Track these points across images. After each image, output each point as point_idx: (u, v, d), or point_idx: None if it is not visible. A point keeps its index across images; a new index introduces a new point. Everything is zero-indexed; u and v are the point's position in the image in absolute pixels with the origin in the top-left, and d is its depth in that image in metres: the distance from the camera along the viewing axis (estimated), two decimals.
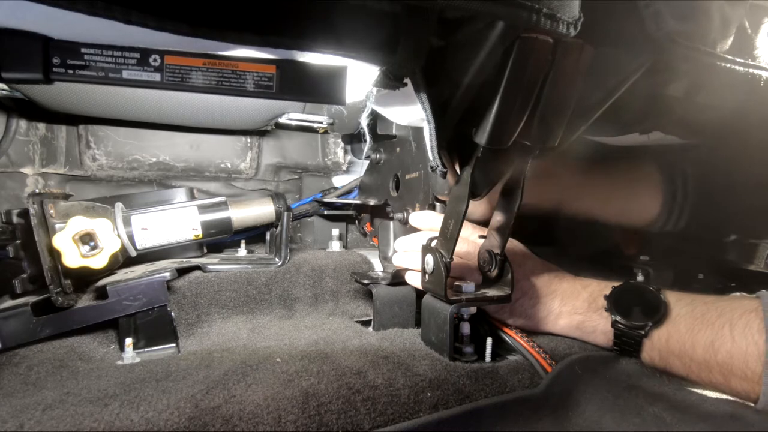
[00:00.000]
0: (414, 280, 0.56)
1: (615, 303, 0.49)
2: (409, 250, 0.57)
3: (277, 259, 0.64)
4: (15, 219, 0.51)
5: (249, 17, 0.30)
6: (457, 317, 0.48)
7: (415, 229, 0.59)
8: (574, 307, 0.52)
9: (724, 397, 0.43)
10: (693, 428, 0.37)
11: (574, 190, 0.68)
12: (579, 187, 0.69)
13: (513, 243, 0.58)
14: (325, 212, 0.86)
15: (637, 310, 0.48)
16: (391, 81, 0.38)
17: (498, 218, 0.48)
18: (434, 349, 0.48)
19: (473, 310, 0.49)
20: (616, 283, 0.51)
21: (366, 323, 0.62)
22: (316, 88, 0.38)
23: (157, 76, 0.35)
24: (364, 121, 0.53)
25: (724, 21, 0.37)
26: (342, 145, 0.91)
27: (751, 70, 0.39)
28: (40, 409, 0.34)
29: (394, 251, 0.61)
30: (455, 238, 0.44)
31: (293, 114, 0.78)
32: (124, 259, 0.53)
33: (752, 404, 0.40)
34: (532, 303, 0.53)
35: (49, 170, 0.74)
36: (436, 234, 0.48)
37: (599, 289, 0.52)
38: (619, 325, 0.48)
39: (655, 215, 0.69)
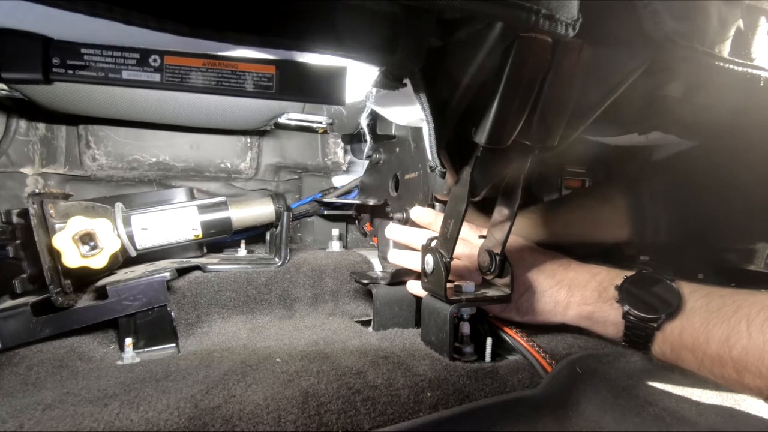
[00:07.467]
0: (415, 288, 0.56)
1: (627, 294, 0.47)
2: (401, 240, 0.56)
3: (277, 259, 0.64)
4: (15, 219, 0.51)
5: (249, 18, 0.30)
6: (457, 317, 0.48)
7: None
8: (583, 297, 0.51)
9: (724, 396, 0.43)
10: (693, 428, 0.37)
11: (549, 227, 0.69)
12: (553, 224, 0.69)
13: (512, 238, 0.56)
14: (325, 212, 0.87)
15: (650, 301, 0.46)
16: (390, 81, 0.38)
17: (498, 218, 0.48)
18: (434, 349, 0.48)
19: (473, 310, 0.49)
20: (628, 273, 0.49)
21: (366, 323, 0.62)
22: (316, 89, 0.38)
23: (156, 77, 0.35)
24: (363, 122, 0.53)
25: (722, 21, 0.37)
26: (342, 145, 0.91)
27: (749, 71, 0.39)
28: (40, 409, 0.34)
29: (389, 241, 0.61)
30: (455, 238, 0.44)
31: (293, 114, 0.78)
32: (124, 259, 0.54)
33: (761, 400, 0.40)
34: (537, 297, 0.53)
35: (49, 170, 0.74)
36: (435, 233, 0.48)
37: (610, 278, 0.50)
38: (631, 317, 0.46)
39: (627, 238, 0.69)
